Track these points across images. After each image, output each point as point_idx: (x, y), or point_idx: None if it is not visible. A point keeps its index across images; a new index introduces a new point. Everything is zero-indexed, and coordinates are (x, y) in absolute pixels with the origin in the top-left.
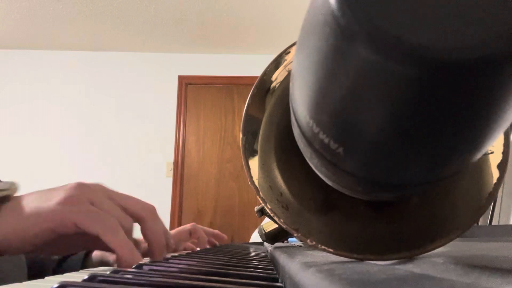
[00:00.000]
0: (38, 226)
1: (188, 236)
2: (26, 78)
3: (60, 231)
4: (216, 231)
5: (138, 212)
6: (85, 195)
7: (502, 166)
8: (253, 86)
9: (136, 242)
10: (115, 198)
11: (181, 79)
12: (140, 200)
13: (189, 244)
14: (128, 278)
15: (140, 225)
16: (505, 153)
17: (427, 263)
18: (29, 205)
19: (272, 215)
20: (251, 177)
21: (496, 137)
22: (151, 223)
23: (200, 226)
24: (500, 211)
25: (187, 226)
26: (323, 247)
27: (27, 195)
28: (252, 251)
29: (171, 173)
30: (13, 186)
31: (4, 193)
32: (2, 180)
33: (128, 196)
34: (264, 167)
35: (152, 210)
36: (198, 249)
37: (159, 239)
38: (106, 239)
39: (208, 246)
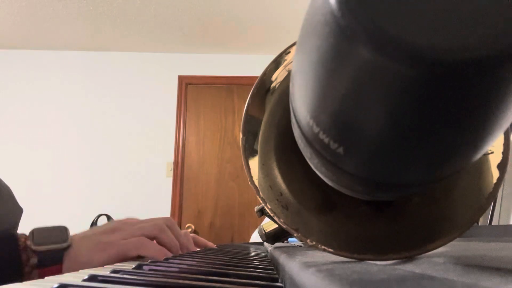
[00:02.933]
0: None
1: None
2: (26, 78)
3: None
4: (210, 243)
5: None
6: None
7: (502, 166)
8: (253, 86)
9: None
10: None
11: (181, 79)
12: (150, 221)
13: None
14: (128, 278)
15: (156, 240)
16: (505, 153)
17: (427, 263)
18: (83, 251)
19: (272, 215)
20: (251, 177)
21: (496, 137)
22: (163, 236)
23: (192, 234)
24: (500, 211)
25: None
26: (323, 247)
27: (79, 242)
28: (252, 251)
29: (171, 173)
30: (68, 233)
31: (65, 244)
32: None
33: (143, 221)
34: (264, 167)
35: (160, 226)
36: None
37: (173, 245)
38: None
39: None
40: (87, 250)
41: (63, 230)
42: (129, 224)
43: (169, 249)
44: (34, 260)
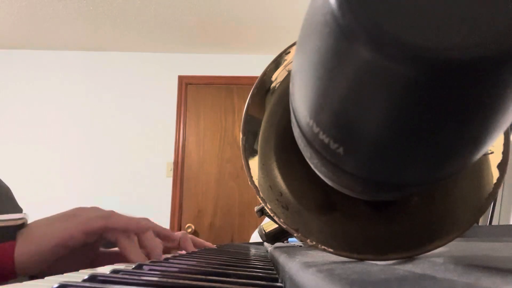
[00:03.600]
0: (51, 243)
1: (176, 245)
2: (26, 78)
3: (70, 244)
4: (209, 243)
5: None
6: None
7: (502, 166)
8: (253, 86)
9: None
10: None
11: (181, 79)
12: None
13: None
14: (128, 278)
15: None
16: (505, 153)
17: (427, 263)
18: (40, 228)
19: (272, 215)
20: (251, 177)
21: (496, 137)
22: (143, 237)
23: (190, 235)
24: (500, 211)
25: (179, 233)
26: (323, 247)
27: (36, 222)
28: (252, 251)
29: (171, 173)
30: (25, 215)
31: (19, 221)
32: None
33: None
34: (264, 167)
35: (139, 226)
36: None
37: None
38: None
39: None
40: (44, 224)
41: (21, 214)
42: (99, 209)
43: (142, 241)
44: None
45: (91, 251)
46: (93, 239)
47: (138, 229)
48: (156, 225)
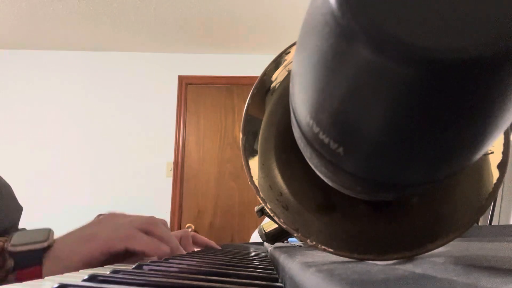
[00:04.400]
0: (76, 263)
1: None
2: (26, 78)
3: (93, 263)
4: (211, 242)
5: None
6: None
7: (502, 166)
8: (253, 86)
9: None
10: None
11: (181, 79)
12: (141, 216)
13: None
14: (128, 278)
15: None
16: (505, 153)
17: (427, 263)
18: (66, 248)
19: (272, 215)
20: (251, 177)
21: (496, 137)
22: (157, 229)
23: (197, 234)
24: (500, 211)
25: (180, 232)
26: (323, 247)
27: (61, 241)
28: (252, 251)
29: (171, 173)
30: (51, 234)
31: (45, 244)
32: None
33: (133, 216)
34: (264, 167)
35: (153, 220)
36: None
37: (169, 239)
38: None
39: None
40: (69, 244)
41: (45, 231)
42: (117, 216)
43: (165, 242)
44: (11, 262)
45: (116, 260)
46: (114, 258)
47: (157, 253)
48: (178, 246)
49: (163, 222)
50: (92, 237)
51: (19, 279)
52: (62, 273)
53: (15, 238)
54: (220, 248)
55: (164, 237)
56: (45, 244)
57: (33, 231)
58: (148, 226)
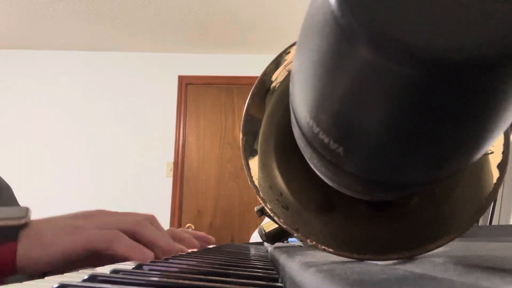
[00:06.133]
0: (56, 254)
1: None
2: (26, 78)
3: (74, 258)
4: (201, 233)
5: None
6: (94, 223)
7: (502, 166)
8: (253, 86)
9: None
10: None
11: (181, 79)
12: (130, 215)
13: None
14: (128, 278)
15: (137, 236)
16: (505, 153)
17: (427, 263)
18: (47, 234)
19: (272, 215)
20: (251, 177)
21: (496, 137)
22: (144, 231)
23: (184, 229)
24: (500, 211)
25: (168, 230)
26: (323, 247)
27: (43, 224)
28: (252, 251)
29: (171, 173)
30: (28, 212)
31: (22, 220)
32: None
33: (122, 214)
34: (264, 167)
35: (141, 221)
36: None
37: (160, 239)
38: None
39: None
40: (51, 231)
41: (23, 209)
42: (105, 214)
43: (153, 245)
44: None
45: (96, 261)
46: (96, 256)
47: (140, 259)
48: (170, 245)
49: (149, 218)
50: (76, 230)
51: None
52: (37, 256)
53: None
54: (213, 240)
55: (151, 240)
56: (22, 221)
57: (10, 209)
58: (134, 228)
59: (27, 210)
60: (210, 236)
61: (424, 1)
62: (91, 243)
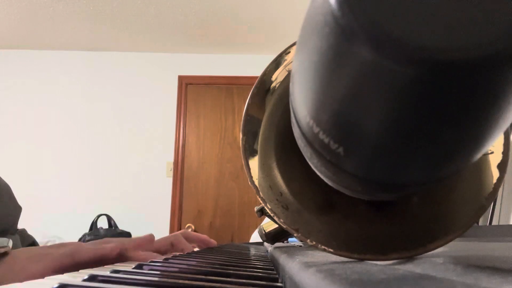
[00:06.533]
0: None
1: (170, 247)
2: (26, 78)
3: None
4: (204, 236)
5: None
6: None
7: (502, 166)
8: (253, 86)
9: None
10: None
11: (181, 79)
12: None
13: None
14: (128, 278)
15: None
16: (505, 153)
17: (427, 263)
18: (22, 262)
19: (272, 215)
20: (251, 177)
21: (496, 137)
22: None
23: (188, 231)
24: (500, 211)
25: (170, 237)
26: (323, 247)
27: (18, 252)
28: (252, 251)
29: (171, 173)
30: (9, 243)
31: (1, 250)
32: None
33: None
34: (264, 167)
35: (133, 245)
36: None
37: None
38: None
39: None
40: (23, 259)
41: (3, 240)
42: (81, 245)
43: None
44: None
45: None
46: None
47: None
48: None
49: (118, 248)
50: (44, 257)
51: None
52: (10, 282)
53: None
54: (216, 243)
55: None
56: (2, 251)
57: None
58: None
59: (8, 240)
60: (212, 240)
61: (424, 1)
62: (58, 263)
